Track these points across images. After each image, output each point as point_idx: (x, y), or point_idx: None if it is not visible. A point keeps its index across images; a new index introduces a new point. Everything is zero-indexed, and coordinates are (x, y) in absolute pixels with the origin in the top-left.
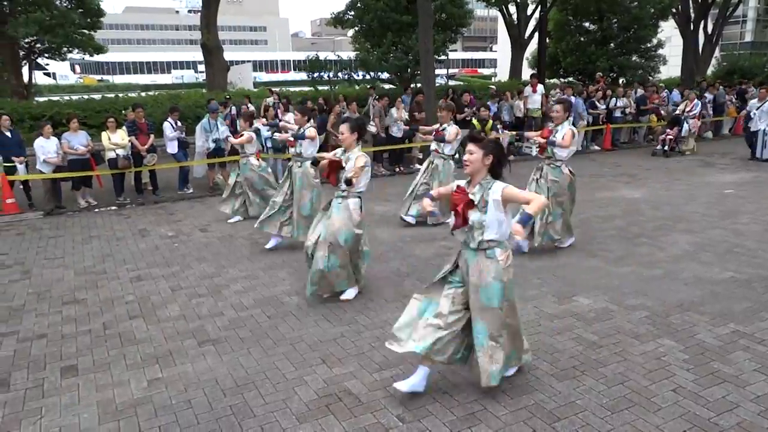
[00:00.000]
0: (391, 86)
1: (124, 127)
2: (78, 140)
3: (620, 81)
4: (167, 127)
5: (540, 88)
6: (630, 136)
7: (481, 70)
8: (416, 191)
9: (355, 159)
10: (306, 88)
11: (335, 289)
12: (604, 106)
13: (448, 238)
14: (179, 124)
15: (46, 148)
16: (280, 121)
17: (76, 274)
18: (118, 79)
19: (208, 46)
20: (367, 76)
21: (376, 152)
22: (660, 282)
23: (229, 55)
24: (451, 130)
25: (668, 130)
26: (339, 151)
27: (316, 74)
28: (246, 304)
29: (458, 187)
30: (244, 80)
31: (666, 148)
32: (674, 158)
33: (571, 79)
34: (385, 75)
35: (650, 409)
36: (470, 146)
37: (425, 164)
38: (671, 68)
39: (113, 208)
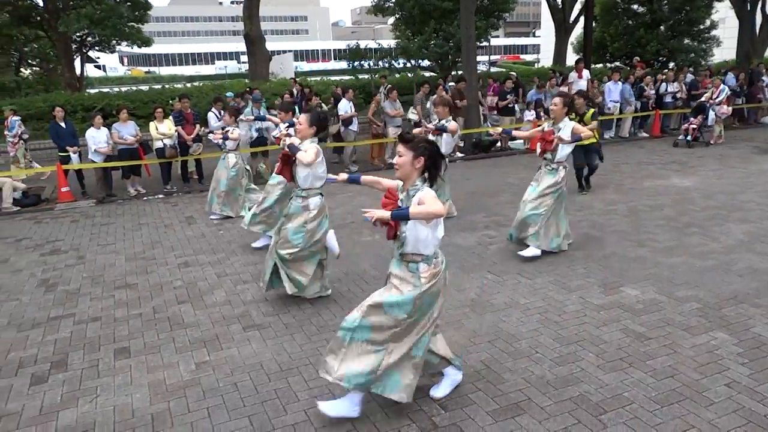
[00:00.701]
0: (432, 74)
1: (170, 117)
2: (127, 130)
3: (670, 65)
4: (212, 117)
5: (586, 73)
6: (681, 122)
7: (523, 56)
8: None
9: (305, 150)
10: (347, 77)
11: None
12: (653, 92)
13: (490, 226)
14: (223, 113)
15: (97, 138)
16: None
17: (127, 260)
18: (164, 70)
19: (251, 37)
20: (408, 64)
21: None
22: (712, 273)
23: (270, 45)
24: (451, 127)
25: (692, 119)
26: (295, 139)
27: (356, 63)
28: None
29: (389, 191)
30: (286, 70)
31: (689, 137)
32: (701, 148)
33: (617, 63)
34: (425, 62)
35: (702, 404)
36: (399, 147)
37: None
38: (725, 51)
39: (160, 196)
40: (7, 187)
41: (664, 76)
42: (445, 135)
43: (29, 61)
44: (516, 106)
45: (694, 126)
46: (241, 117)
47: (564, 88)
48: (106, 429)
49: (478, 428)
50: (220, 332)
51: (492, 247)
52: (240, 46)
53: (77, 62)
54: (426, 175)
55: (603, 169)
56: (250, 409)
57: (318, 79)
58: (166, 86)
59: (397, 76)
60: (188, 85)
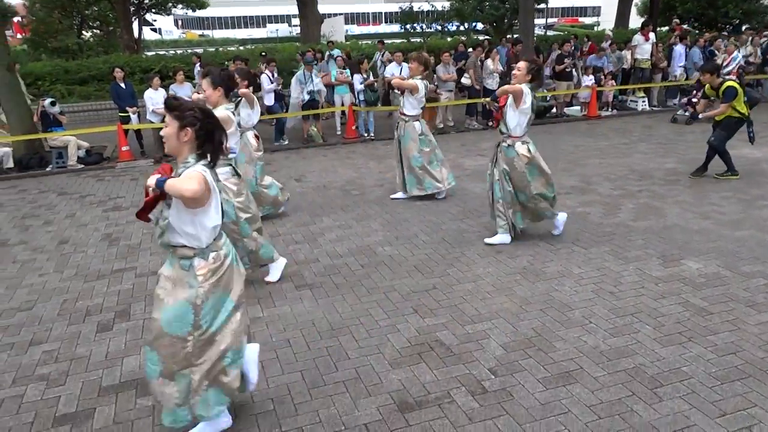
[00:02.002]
0: (486, 37)
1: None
2: (183, 92)
3: (743, 28)
4: (264, 79)
5: (652, 36)
6: (754, 88)
7: (582, 19)
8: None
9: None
10: (398, 41)
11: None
12: (732, 57)
13: None
14: (276, 76)
15: (154, 99)
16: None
17: None
18: (217, 33)
19: None
20: (462, 27)
21: (469, 105)
22: None
23: (322, 8)
24: (405, 84)
25: (695, 91)
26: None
27: (408, 26)
28: (340, 252)
29: (164, 164)
30: (337, 33)
31: (687, 112)
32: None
33: (686, 26)
34: (480, 25)
35: (766, 382)
36: (167, 117)
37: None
38: None
39: None
40: (72, 145)
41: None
42: (407, 95)
43: (90, 23)
44: (573, 71)
45: (695, 100)
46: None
47: (627, 53)
48: None
49: (529, 394)
50: (273, 290)
51: None
52: (292, 8)
53: (135, 25)
54: (203, 150)
55: (665, 138)
56: (302, 364)
57: (369, 42)
58: (219, 49)
59: (449, 39)
60: (241, 48)
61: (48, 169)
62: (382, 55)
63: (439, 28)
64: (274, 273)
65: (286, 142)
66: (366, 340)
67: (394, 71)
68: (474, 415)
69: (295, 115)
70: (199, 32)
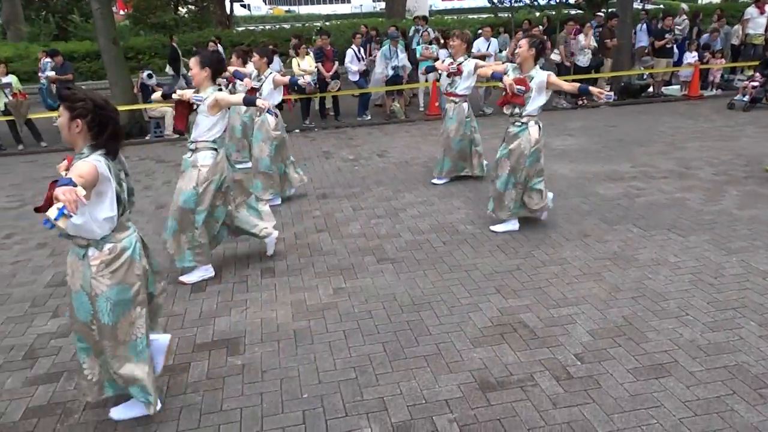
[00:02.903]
0: (578, 11)
1: (311, 54)
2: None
3: None
4: (350, 53)
5: None
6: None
7: None
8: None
9: (207, 99)
10: (485, 15)
11: (177, 265)
12: None
13: (638, 177)
14: (362, 51)
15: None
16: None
17: None
18: (302, 9)
19: None
20: (552, 1)
21: None
22: None
23: None
24: (469, 66)
25: (756, 74)
26: (189, 91)
27: (496, 0)
28: (422, 228)
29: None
30: (420, 8)
31: (746, 98)
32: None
33: None
34: None
35: None
36: (60, 107)
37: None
38: None
39: (297, 131)
40: (169, 116)
41: None
42: (466, 77)
43: (185, 0)
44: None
45: (756, 84)
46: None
47: (738, 27)
48: (255, 338)
49: (617, 384)
50: (355, 262)
51: (639, 200)
52: None
53: (227, 1)
54: (97, 142)
55: None
56: (384, 336)
57: (454, 17)
58: (306, 24)
59: (537, 15)
60: (327, 23)
61: (147, 138)
62: (421, 34)
63: (528, 1)
64: (195, 275)
65: (369, 117)
66: (447, 317)
67: (480, 47)
68: (558, 401)
69: (378, 91)
70: (286, 8)
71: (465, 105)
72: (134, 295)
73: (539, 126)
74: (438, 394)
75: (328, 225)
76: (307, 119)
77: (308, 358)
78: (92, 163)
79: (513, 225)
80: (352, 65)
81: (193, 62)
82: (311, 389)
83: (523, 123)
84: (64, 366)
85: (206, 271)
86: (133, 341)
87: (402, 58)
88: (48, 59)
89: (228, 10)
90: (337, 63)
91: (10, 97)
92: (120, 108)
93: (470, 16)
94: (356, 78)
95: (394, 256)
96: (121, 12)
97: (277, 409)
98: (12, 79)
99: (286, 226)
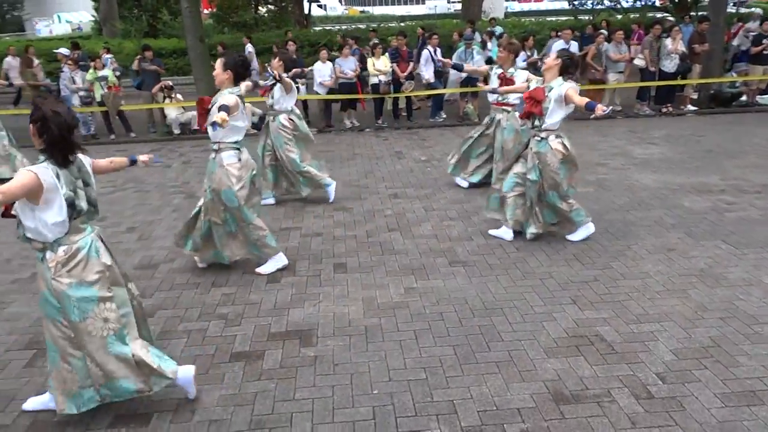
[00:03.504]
0: (665, 14)
1: (387, 54)
2: (348, 65)
3: None
4: (425, 55)
5: None
6: None
7: None
8: (474, 154)
9: (219, 100)
10: (563, 18)
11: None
12: None
13: (727, 191)
14: (437, 52)
15: (322, 71)
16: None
17: (344, 186)
18: (377, 10)
19: None
20: (637, 3)
21: (642, 88)
22: None
23: None
24: (521, 77)
25: None
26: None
27: (576, 2)
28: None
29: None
30: (495, 10)
31: None
32: None
33: None
34: (658, 1)
35: None
36: None
37: (485, 121)
38: None
39: (368, 129)
40: (247, 111)
41: None
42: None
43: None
44: None
45: None
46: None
47: None
48: (327, 331)
49: (703, 408)
50: (426, 263)
51: (729, 215)
52: None
53: (305, 1)
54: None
55: None
56: (455, 339)
57: (531, 19)
58: (381, 25)
59: (619, 17)
60: (401, 24)
61: None
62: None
63: (611, 3)
64: (269, 266)
65: (443, 119)
66: (520, 324)
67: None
68: (638, 420)
69: (453, 92)
70: (360, 9)
71: (518, 114)
72: (97, 291)
73: (563, 141)
74: (509, 402)
75: (400, 225)
76: (380, 119)
77: (379, 355)
78: (32, 172)
79: (509, 234)
80: (426, 67)
81: (218, 63)
82: (381, 386)
83: (542, 138)
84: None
85: (279, 260)
86: (110, 336)
87: (478, 60)
88: (108, 55)
89: (306, 10)
90: (411, 64)
91: (105, 90)
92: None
93: (549, 18)
94: (432, 79)
95: (466, 259)
96: (206, 11)
97: (347, 403)
98: (107, 72)
99: (358, 224)
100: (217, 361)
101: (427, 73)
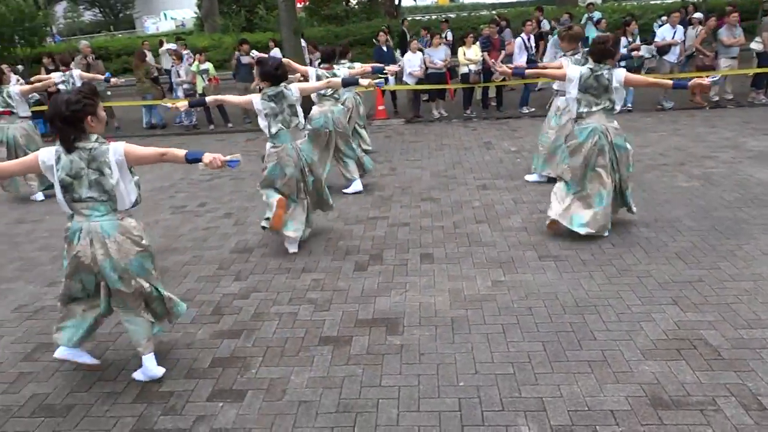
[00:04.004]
0: None
1: (478, 43)
2: (438, 55)
3: None
4: (518, 43)
5: None
6: None
7: None
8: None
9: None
10: (669, 0)
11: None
12: None
13: None
14: (531, 40)
15: (412, 61)
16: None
17: (431, 176)
18: None
19: None
20: None
21: (757, 75)
22: None
23: None
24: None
25: None
26: (251, 96)
27: None
28: None
29: None
30: None
31: None
32: None
33: None
34: None
35: None
36: None
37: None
38: None
39: (454, 120)
40: None
41: None
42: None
43: None
44: None
45: None
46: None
47: None
48: (413, 320)
49: None
50: (515, 256)
51: None
52: None
53: None
54: None
55: None
56: (544, 335)
57: (633, 3)
58: (472, 13)
59: None
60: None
61: None
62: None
63: None
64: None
65: (532, 110)
66: (615, 324)
67: (665, 35)
68: None
69: (545, 82)
70: None
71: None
72: (67, 266)
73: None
74: (602, 403)
75: (488, 216)
76: (469, 109)
77: (465, 347)
78: (38, 152)
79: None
80: (520, 55)
81: (256, 73)
82: (468, 378)
83: (617, 127)
84: (245, 325)
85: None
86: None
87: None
88: (187, 51)
89: (396, 1)
90: (503, 53)
91: (207, 82)
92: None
93: (652, 2)
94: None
95: (557, 253)
96: (299, 5)
97: (433, 393)
98: (208, 65)
99: (445, 215)
100: (306, 344)
101: (521, 61)
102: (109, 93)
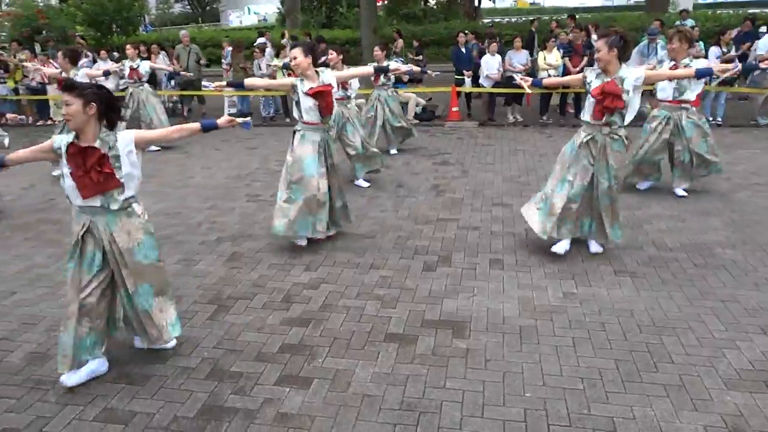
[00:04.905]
0: None
1: (559, 48)
2: (518, 59)
3: None
4: None
5: None
6: None
7: None
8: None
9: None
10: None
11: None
12: None
13: None
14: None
15: (490, 64)
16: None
17: (504, 181)
18: (548, 1)
19: None
20: None
21: None
22: None
23: None
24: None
25: None
26: (290, 80)
27: None
28: (669, 244)
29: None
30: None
31: None
32: None
33: None
34: None
35: None
36: (66, 96)
37: (659, 121)
38: None
39: (529, 126)
40: (412, 101)
41: None
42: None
43: None
44: None
45: None
46: None
47: None
48: (480, 325)
49: None
50: (588, 268)
51: None
52: None
53: None
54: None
55: None
56: (617, 353)
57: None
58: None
59: None
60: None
61: None
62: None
63: None
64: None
65: None
66: (695, 348)
67: None
68: None
69: None
70: (530, 0)
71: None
72: (71, 247)
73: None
74: (678, 430)
75: None
76: (545, 115)
77: (533, 357)
78: (52, 138)
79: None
80: None
81: (297, 51)
82: (535, 390)
83: (619, 136)
84: (313, 314)
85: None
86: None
87: (662, 56)
88: (229, 48)
89: (475, 2)
90: (585, 59)
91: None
92: (365, 92)
93: (751, 10)
94: None
95: (634, 269)
96: (378, 3)
97: (498, 400)
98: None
99: (517, 221)
100: (372, 339)
101: None
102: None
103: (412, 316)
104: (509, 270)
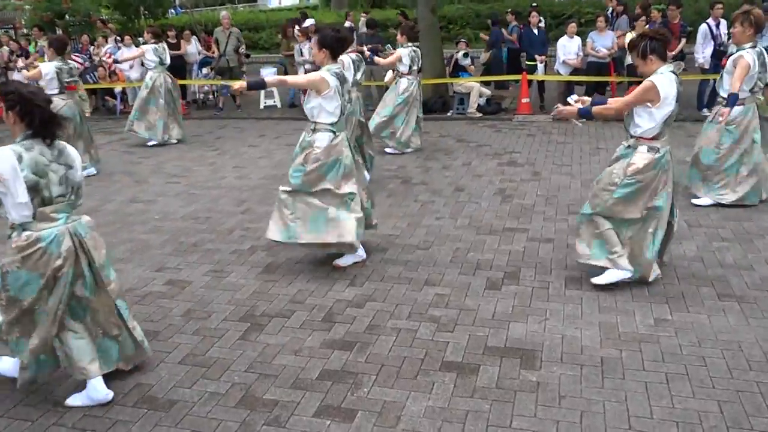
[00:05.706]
0: None
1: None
2: (603, 42)
3: None
4: (702, 30)
5: None
6: None
7: None
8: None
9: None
10: None
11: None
12: None
13: None
14: (720, 27)
15: (568, 47)
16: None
17: (583, 186)
18: None
19: None
20: None
21: None
22: None
23: None
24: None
25: None
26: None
27: None
28: None
29: None
30: None
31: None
32: None
33: None
34: None
35: None
36: None
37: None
38: None
39: (608, 121)
40: (475, 92)
41: None
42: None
43: None
44: None
45: None
46: None
47: None
48: (553, 355)
49: None
50: (686, 291)
51: None
52: None
53: None
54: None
55: None
56: (721, 393)
57: None
58: None
59: None
60: None
61: (448, 114)
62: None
63: None
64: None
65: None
66: None
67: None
68: None
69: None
70: None
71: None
72: (46, 284)
73: (655, 155)
74: None
75: None
76: None
77: (617, 395)
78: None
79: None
80: (705, 45)
81: (314, 42)
82: None
83: (629, 145)
84: (358, 337)
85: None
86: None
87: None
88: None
89: None
90: (684, 40)
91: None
92: (427, 81)
93: None
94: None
95: (743, 293)
96: None
97: None
98: None
99: None
100: (426, 368)
101: (704, 53)
102: (243, 69)
103: (472, 341)
104: (588, 290)
